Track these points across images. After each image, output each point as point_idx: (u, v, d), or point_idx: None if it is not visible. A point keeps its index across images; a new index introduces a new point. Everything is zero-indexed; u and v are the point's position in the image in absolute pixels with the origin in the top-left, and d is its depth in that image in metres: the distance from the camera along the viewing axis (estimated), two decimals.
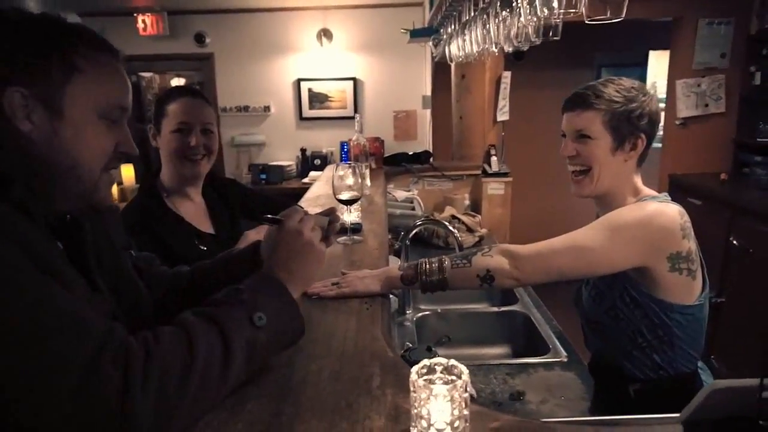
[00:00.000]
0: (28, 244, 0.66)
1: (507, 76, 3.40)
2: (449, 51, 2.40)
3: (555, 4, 1.22)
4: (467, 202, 3.35)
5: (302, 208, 1.00)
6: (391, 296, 2.09)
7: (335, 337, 1.00)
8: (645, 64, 5.63)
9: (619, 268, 1.16)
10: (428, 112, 5.21)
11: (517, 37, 1.54)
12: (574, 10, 1.25)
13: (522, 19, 1.43)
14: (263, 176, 5.19)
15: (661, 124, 3.98)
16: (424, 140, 5.28)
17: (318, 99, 5.43)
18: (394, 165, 3.33)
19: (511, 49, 1.86)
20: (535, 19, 1.42)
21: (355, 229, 1.73)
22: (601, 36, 4.91)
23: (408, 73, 5.21)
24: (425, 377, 0.69)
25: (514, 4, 1.41)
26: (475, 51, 1.85)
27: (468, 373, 0.70)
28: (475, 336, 2.09)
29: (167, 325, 0.74)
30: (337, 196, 1.61)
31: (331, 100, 5.44)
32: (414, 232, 2.08)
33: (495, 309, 2.19)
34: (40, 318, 0.63)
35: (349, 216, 1.77)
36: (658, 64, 5.51)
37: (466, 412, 0.69)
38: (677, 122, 3.78)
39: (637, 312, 1.20)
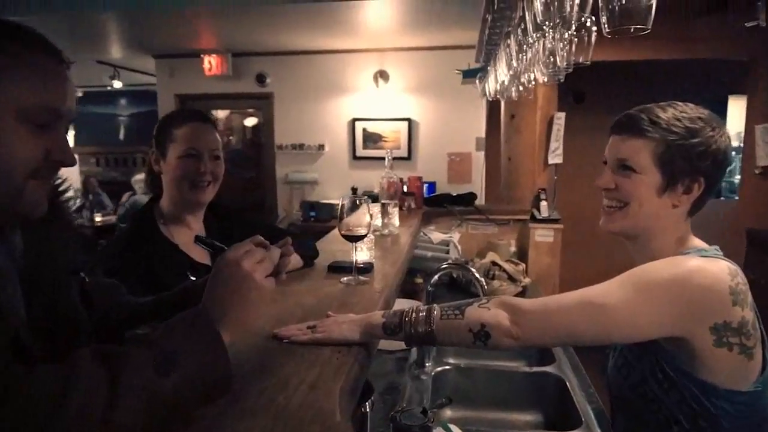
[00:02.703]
0: None
1: (561, 117, 3.21)
2: (488, 86, 2.27)
3: (573, 21, 1.06)
4: (513, 248, 3.12)
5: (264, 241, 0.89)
6: (412, 347, 1.92)
7: (286, 389, 0.85)
8: (723, 110, 5.22)
9: (644, 336, 0.94)
10: (482, 154, 5.06)
11: (545, 63, 1.39)
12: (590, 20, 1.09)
13: (547, 42, 1.29)
14: (312, 214, 5.19)
15: (737, 174, 3.62)
16: (478, 183, 5.11)
17: (372, 139, 5.42)
18: (437, 206, 3.19)
19: (546, 79, 1.71)
20: (561, 44, 1.27)
21: (364, 269, 1.59)
22: (673, 78, 4.60)
23: (463, 114, 5.11)
24: None
25: (533, 29, 1.27)
26: (505, 82, 1.70)
27: None
28: (501, 398, 1.86)
29: None
30: (341, 232, 1.49)
31: (385, 140, 5.42)
32: (438, 276, 1.91)
33: (526, 369, 1.95)
34: None
35: (359, 254, 1.64)
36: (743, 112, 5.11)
37: None
38: (756, 171, 3.39)
39: (672, 393, 0.96)
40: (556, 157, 3.23)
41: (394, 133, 5.36)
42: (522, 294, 2.70)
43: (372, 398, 1.24)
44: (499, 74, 1.80)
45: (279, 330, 1.07)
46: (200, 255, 1.51)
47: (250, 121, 5.86)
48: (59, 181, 0.90)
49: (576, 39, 1.26)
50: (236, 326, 0.78)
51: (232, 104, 5.66)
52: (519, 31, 1.35)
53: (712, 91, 4.92)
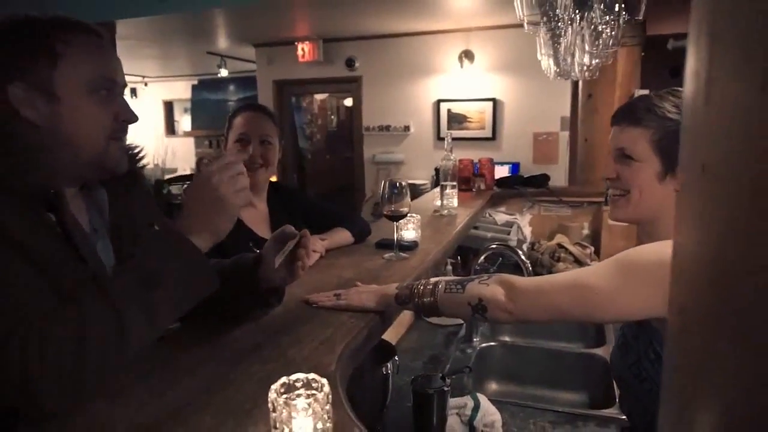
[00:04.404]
0: None
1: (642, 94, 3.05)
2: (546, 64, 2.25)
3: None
4: (586, 231, 3.07)
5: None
6: (462, 322, 2.02)
7: (299, 345, 1.01)
8: None
9: (627, 317, 0.97)
10: (567, 134, 4.90)
11: (581, 48, 1.41)
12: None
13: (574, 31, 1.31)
14: None
15: None
16: (564, 165, 4.97)
17: (456, 119, 5.45)
18: (507, 187, 3.20)
19: (595, 61, 1.70)
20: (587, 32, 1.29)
21: (408, 246, 1.71)
22: None
23: (548, 93, 4.97)
24: (285, 395, 0.67)
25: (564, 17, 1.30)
26: (550, 64, 1.72)
27: (328, 384, 0.67)
28: (548, 377, 1.90)
29: None
30: (383, 212, 1.62)
31: (469, 121, 5.42)
32: (485, 256, 1.98)
33: (574, 350, 1.97)
34: None
35: (406, 233, 1.76)
36: None
37: (329, 425, 0.67)
38: None
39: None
40: None
41: (478, 113, 5.35)
42: None
43: (396, 360, 1.37)
44: (542, 59, 1.81)
45: (310, 296, 1.23)
46: (262, 230, 1.72)
47: (349, 101, 6.09)
48: (138, 149, 1.09)
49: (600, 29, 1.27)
50: (209, 235, 0.88)
51: (323, 88, 5.95)
52: (545, 18, 1.38)
53: None
